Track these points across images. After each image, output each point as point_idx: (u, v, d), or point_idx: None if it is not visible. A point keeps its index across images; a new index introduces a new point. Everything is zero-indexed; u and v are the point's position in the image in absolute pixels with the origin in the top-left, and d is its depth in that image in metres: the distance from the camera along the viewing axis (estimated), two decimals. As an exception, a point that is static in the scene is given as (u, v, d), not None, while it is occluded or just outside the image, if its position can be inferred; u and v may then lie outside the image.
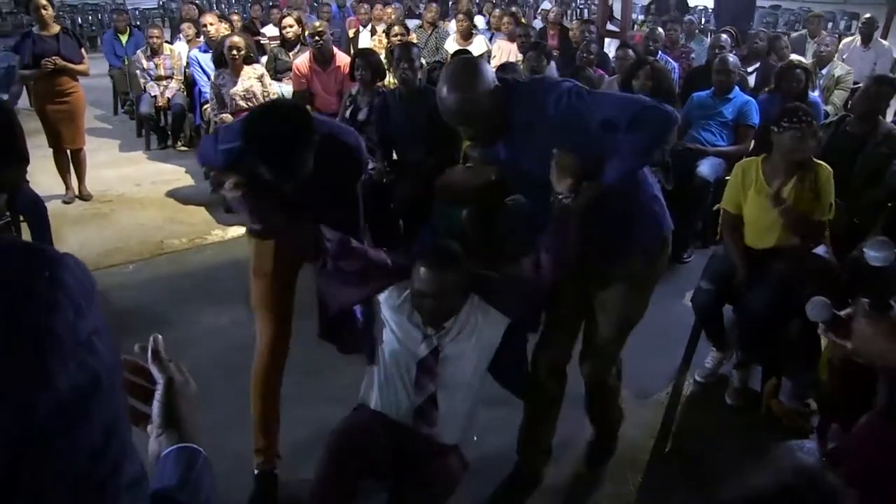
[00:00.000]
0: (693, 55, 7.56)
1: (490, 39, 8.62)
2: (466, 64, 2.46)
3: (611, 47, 7.92)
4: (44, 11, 5.89)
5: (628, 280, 2.64)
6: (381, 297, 2.64)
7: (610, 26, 8.31)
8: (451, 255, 2.55)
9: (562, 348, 2.86)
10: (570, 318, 2.82)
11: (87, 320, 0.61)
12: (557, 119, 2.30)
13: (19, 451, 0.57)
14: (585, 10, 18.48)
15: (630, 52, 6.22)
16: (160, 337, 1.09)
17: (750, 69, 6.80)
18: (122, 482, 0.65)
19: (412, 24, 8.72)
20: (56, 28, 6.04)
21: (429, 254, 2.55)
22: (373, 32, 8.75)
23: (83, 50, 6.26)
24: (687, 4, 12.00)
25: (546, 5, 13.30)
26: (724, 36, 6.72)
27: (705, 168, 5.10)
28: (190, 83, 7.60)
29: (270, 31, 8.81)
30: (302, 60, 6.32)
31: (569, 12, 16.30)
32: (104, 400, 0.62)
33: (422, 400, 2.60)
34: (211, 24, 7.38)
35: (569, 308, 2.77)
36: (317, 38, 6.17)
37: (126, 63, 8.62)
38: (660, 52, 6.84)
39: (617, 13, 8.65)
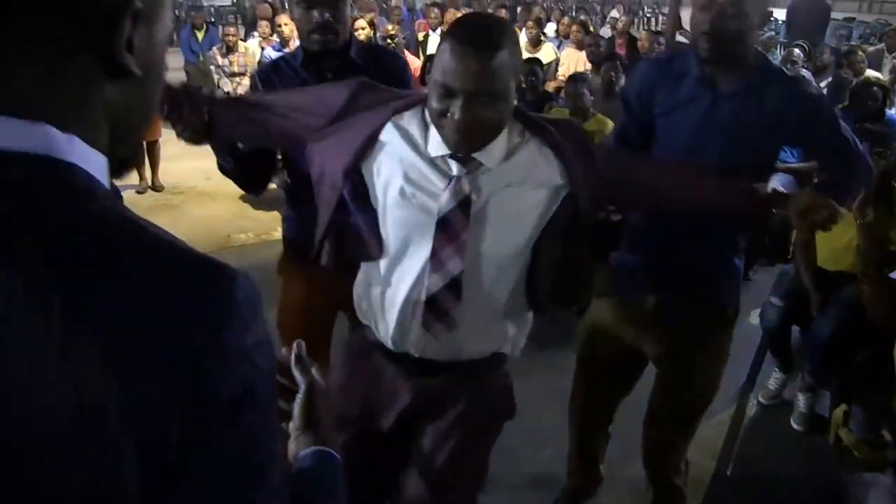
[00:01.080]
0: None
1: (558, 47, 8.60)
2: None
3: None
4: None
5: (698, 337, 2.29)
6: (384, 134, 1.69)
7: (679, 38, 8.22)
8: (500, 32, 1.56)
9: (603, 390, 2.60)
10: (622, 359, 2.48)
11: (250, 334, 0.63)
12: (799, 118, 2.09)
13: (171, 465, 0.59)
14: (653, 19, 18.31)
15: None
16: (303, 343, 1.17)
17: (822, 84, 6.66)
18: (265, 491, 0.67)
19: (481, 29, 8.72)
20: (138, 23, 6.21)
21: (464, 28, 1.57)
22: (442, 36, 8.79)
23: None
24: (759, 16, 11.77)
25: (615, 14, 13.20)
26: (796, 50, 6.61)
27: (775, 185, 5.00)
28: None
29: (341, 32, 8.89)
30: (373, 62, 6.35)
31: (636, 21, 16.15)
32: (257, 412, 0.64)
33: (439, 285, 1.66)
34: (286, 24, 7.50)
35: (623, 346, 2.44)
36: (388, 41, 6.23)
37: (201, 59, 8.84)
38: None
39: (685, 24, 8.55)
